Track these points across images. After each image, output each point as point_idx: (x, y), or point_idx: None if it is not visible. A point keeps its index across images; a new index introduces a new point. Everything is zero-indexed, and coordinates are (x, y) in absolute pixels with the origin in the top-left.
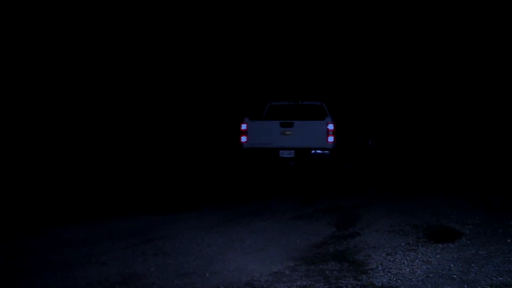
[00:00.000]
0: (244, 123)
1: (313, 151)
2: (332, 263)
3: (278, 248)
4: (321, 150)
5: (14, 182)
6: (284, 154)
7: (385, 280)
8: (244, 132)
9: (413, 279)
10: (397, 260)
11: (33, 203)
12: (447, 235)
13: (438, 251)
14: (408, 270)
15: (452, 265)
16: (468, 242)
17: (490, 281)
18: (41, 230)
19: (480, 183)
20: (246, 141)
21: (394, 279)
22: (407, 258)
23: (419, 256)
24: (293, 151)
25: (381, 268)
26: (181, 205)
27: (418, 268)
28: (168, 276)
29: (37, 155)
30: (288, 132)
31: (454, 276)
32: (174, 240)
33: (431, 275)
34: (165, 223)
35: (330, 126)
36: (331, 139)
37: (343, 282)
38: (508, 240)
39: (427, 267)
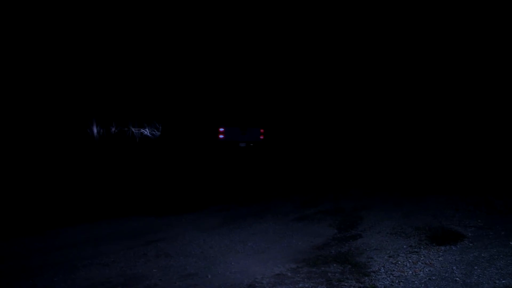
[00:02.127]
0: (222, 128)
1: (251, 144)
2: (334, 265)
3: (280, 250)
4: (256, 142)
5: (18, 183)
6: (242, 144)
7: (387, 282)
8: (222, 132)
9: (416, 282)
10: (399, 262)
11: (36, 204)
12: (449, 237)
13: (441, 254)
14: (410, 272)
15: (454, 267)
16: (470, 244)
17: (493, 284)
18: (44, 231)
19: (482, 185)
20: (222, 138)
21: (397, 281)
22: (410, 260)
23: (422, 259)
24: (245, 143)
25: (383, 270)
26: (182, 206)
27: (420, 271)
28: (170, 278)
29: (42, 156)
30: (243, 133)
31: (457, 278)
32: (176, 242)
33: (433, 277)
34: (166, 224)
35: (261, 131)
36: (262, 137)
37: (346, 284)
38: (511, 243)
39: (429, 270)
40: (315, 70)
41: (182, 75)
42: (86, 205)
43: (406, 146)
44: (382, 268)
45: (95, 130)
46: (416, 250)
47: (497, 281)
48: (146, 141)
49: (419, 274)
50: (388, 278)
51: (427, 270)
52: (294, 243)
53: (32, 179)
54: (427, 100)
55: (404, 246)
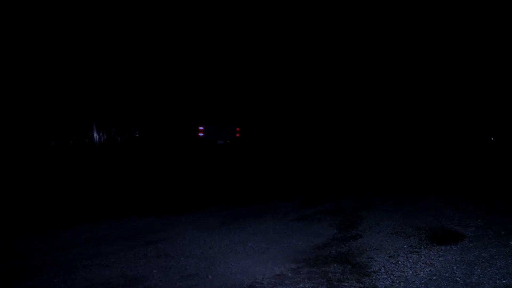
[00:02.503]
0: (201, 127)
1: (228, 141)
2: (335, 265)
3: (280, 250)
4: (233, 139)
5: (18, 184)
6: (220, 141)
7: (387, 282)
8: (201, 131)
9: (416, 282)
10: (399, 262)
11: (36, 205)
12: (450, 237)
13: (441, 254)
14: (411, 272)
15: (455, 267)
16: (470, 244)
17: (493, 284)
18: (44, 231)
19: (482, 185)
20: (202, 136)
21: (397, 281)
22: (410, 260)
23: (422, 259)
24: (222, 140)
25: (383, 270)
26: (182, 206)
27: (421, 271)
28: (170, 279)
29: (40, 156)
30: (221, 132)
31: (457, 278)
32: (176, 242)
33: (434, 277)
34: (167, 225)
35: (237, 129)
36: (237, 135)
37: (346, 284)
38: (511, 243)
39: (430, 270)
40: (306, 69)
41: (164, 79)
42: (86, 205)
43: (406, 146)
44: (383, 268)
45: (95, 134)
46: (416, 250)
47: (497, 281)
48: (134, 142)
49: (420, 274)
50: (389, 278)
51: (427, 270)
52: (294, 243)
53: (32, 180)
54: (427, 101)
55: (405, 246)
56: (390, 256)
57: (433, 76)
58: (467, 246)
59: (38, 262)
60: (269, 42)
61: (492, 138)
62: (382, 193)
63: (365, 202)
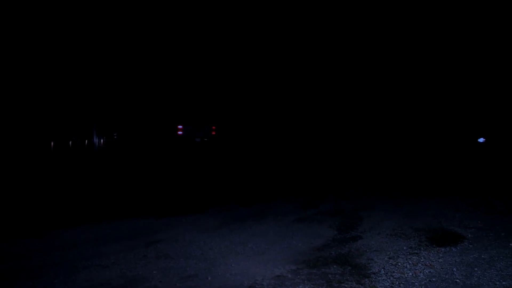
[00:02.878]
0: (180, 126)
1: (205, 139)
2: (335, 266)
3: (280, 251)
4: (209, 137)
5: (19, 185)
6: (197, 139)
7: (387, 284)
8: (180, 130)
9: (416, 283)
10: (399, 263)
11: (36, 205)
12: (449, 238)
13: (441, 255)
14: (410, 274)
15: (454, 269)
16: (470, 246)
17: (493, 286)
18: (44, 232)
19: (482, 186)
20: (181, 134)
21: (397, 283)
22: (410, 262)
23: (422, 260)
24: (199, 138)
25: (383, 272)
26: (182, 207)
27: (420, 272)
28: (170, 280)
29: (43, 160)
30: (198, 130)
31: (457, 280)
32: (176, 243)
33: (433, 279)
34: (166, 225)
35: (213, 128)
36: (213, 133)
37: (346, 286)
38: (511, 244)
39: (429, 271)
40: (296, 69)
41: (144, 82)
42: (86, 206)
43: (405, 147)
44: (382, 269)
45: (95, 138)
46: (416, 251)
47: (497, 283)
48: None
49: (419, 276)
50: (388, 280)
51: (427, 271)
52: (294, 244)
53: (33, 182)
54: (425, 102)
55: (404, 248)
56: (389, 258)
57: (430, 78)
58: (467, 247)
59: (38, 263)
60: (246, 43)
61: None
62: (382, 194)
63: (365, 203)
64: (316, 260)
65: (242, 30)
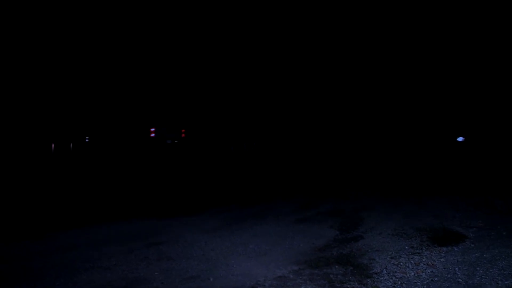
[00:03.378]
0: (153, 128)
1: (176, 141)
2: (336, 266)
3: (281, 251)
4: (179, 139)
5: (18, 187)
6: (168, 141)
7: (390, 284)
8: (153, 132)
9: (418, 283)
10: (401, 263)
11: (37, 207)
12: (451, 238)
13: (443, 255)
14: (412, 273)
15: (457, 268)
16: (472, 245)
17: (495, 285)
18: (45, 234)
19: (482, 185)
20: (153, 136)
21: (399, 283)
22: (412, 261)
23: (424, 260)
24: (170, 140)
25: (385, 272)
26: (183, 208)
27: (422, 272)
28: (172, 281)
29: (42, 159)
30: (169, 132)
31: (459, 280)
32: (177, 244)
33: (436, 279)
34: (168, 227)
35: (183, 130)
36: (183, 135)
37: (348, 286)
38: None
39: (431, 271)
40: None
41: (116, 87)
42: (87, 208)
43: (405, 149)
44: (384, 269)
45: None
46: (418, 251)
47: (499, 282)
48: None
49: (421, 276)
50: (391, 280)
51: (429, 271)
52: (295, 245)
53: (33, 184)
54: (426, 102)
55: (406, 247)
56: (391, 258)
57: (432, 77)
58: (469, 247)
59: (39, 265)
60: (216, 45)
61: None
62: (382, 194)
63: (365, 203)
64: (318, 260)
65: (214, 35)
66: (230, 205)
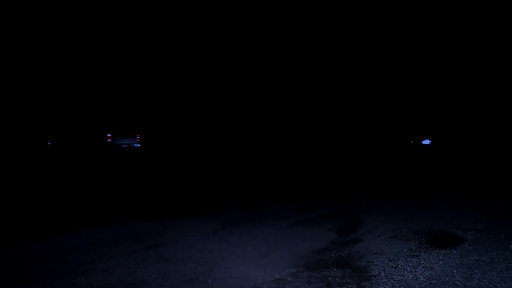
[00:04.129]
0: (109, 134)
1: (133, 145)
2: (335, 269)
3: (280, 254)
4: (136, 144)
5: (17, 189)
6: (124, 145)
7: (388, 286)
8: (109, 137)
9: (416, 286)
10: (399, 266)
11: (35, 209)
12: (450, 241)
13: (441, 257)
14: (411, 276)
15: (455, 271)
16: (470, 248)
17: None
18: (43, 236)
19: (482, 188)
20: (110, 141)
21: (397, 285)
22: (410, 264)
23: (422, 262)
24: (126, 144)
25: (383, 274)
26: (182, 210)
27: (421, 275)
28: (170, 283)
29: (40, 159)
30: (125, 138)
31: (457, 282)
32: (175, 247)
33: (434, 281)
34: (166, 229)
35: (137, 135)
36: (138, 140)
37: None
38: (511, 246)
39: (430, 274)
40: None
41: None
42: (85, 210)
43: (405, 150)
44: (383, 272)
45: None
46: (416, 253)
47: (498, 285)
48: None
49: (420, 278)
50: (389, 282)
51: (427, 274)
52: (294, 248)
53: (31, 186)
54: (425, 103)
55: (405, 250)
56: (390, 260)
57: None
58: (467, 249)
59: (38, 267)
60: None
61: (491, 141)
62: (381, 197)
63: (364, 205)
64: (316, 263)
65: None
66: (229, 207)
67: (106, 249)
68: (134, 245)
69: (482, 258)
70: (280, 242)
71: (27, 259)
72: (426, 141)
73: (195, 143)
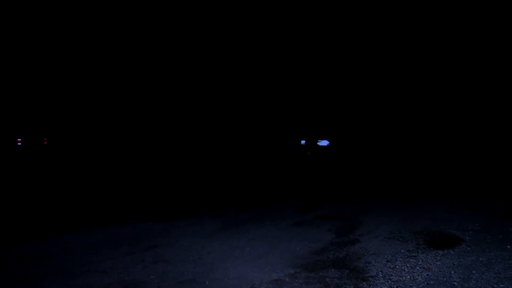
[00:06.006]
0: (19, 138)
1: (33, 147)
2: (332, 270)
3: (278, 255)
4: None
5: (16, 190)
6: (33, 147)
7: (385, 287)
8: (19, 141)
9: (414, 286)
10: (397, 267)
11: (34, 211)
12: (447, 241)
13: (439, 258)
14: (408, 277)
15: (452, 272)
16: (468, 248)
17: None
18: (42, 238)
19: (480, 189)
20: (20, 144)
21: (395, 286)
22: (407, 265)
23: (419, 263)
24: (34, 147)
25: (381, 275)
26: (181, 211)
27: (418, 275)
28: (168, 284)
29: (39, 160)
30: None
31: (455, 283)
32: (173, 247)
33: (431, 282)
34: (164, 230)
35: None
36: (45, 142)
37: None
38: (509, 247)
39: (427, 274)
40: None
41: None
42: (84, 211)
43: (405, 150)
44: (380, 273)
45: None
46: (414, 254)
47: (495, 285)
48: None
49: (417, 279)
50: (386, 283)
51: (425, 274)
52: (292, 248)
53: (30, 187)
54: (425, 105)
55: (402, 251)
56: (387, 261)
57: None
58: (465, 250)
59: (37, 268)
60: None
61: (490, 142)
62: (380, 198)
63: (363, 206)
64: (314, 263)
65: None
66: (228, 208)
67: (105, 250)
68: (132, 246)
69: (480, 258)
70: (279, 243)
71: (27, 259)
72: (324, 142)
73: (195, 144)
